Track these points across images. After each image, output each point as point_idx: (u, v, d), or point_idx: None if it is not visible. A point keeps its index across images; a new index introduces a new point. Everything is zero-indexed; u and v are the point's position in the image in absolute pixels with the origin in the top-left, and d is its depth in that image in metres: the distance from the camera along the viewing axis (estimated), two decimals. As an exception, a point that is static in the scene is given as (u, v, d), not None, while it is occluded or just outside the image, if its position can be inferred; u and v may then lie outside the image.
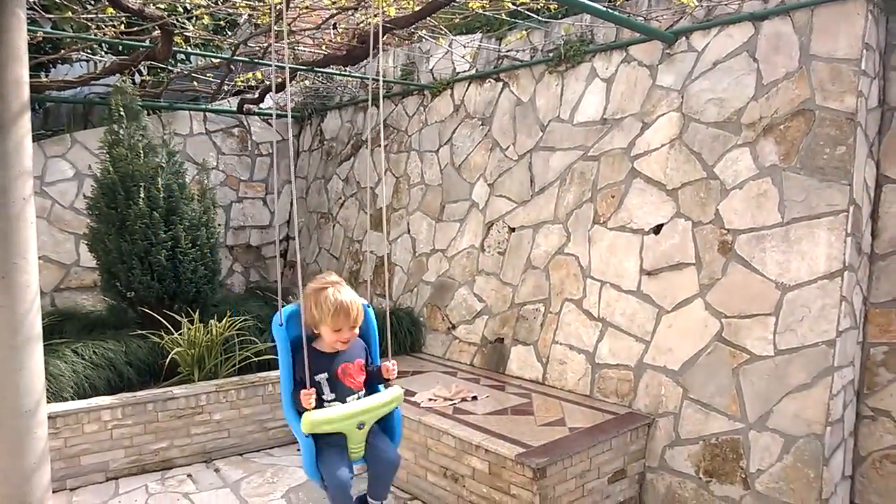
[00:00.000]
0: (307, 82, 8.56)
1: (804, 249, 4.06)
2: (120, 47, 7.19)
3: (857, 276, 4.07)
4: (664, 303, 4.74)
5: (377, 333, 2.87)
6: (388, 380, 2.76)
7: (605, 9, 4.47)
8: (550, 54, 5.84)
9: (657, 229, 4.85)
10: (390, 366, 2.75)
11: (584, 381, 5.16)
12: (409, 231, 7.17)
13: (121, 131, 5.99)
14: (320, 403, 2.56)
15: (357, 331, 2.68)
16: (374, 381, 2.78)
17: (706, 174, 4.60)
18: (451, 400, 5.02)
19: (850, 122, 3.95)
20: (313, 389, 2.50)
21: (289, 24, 6.12)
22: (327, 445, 2.58)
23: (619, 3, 5.23)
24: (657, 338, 4.74)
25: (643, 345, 4.81)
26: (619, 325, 4.99)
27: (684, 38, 4.86)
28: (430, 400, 5.02)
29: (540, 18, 5.68)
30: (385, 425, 2.81)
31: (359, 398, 2.67)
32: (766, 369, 4.14)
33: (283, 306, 2.58)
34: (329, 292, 2.57)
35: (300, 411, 2.53)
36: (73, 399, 4.99)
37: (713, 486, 4.29)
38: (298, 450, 5.63)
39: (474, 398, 5.08)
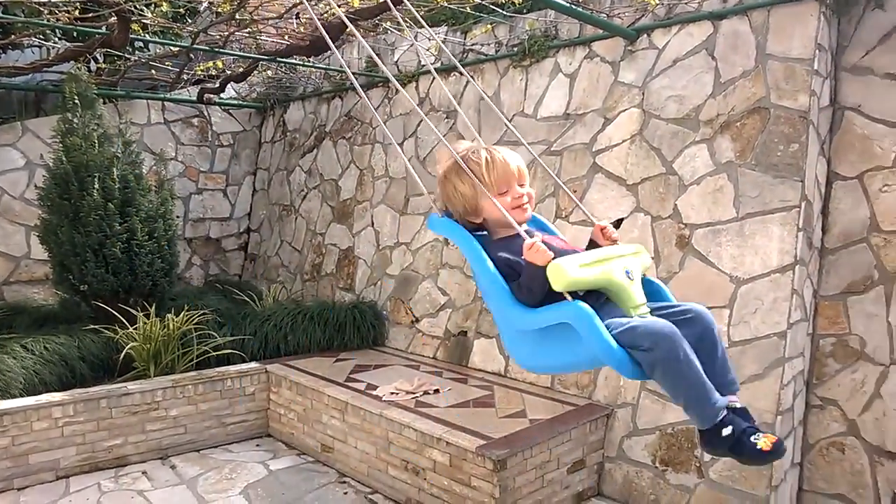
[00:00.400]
0: (269, 72, 8.46)
1: (758, 244, 4.16)
2: (74, 33, 7.01)
3: (807, 269, 4.19)
4: (623, 296, 4.80)
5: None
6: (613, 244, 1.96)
7: (568, 5, 4.52)
8: (515, 49, 5.86)
9: (618, 223, 4.91)
10: (604, 223, 2.03)
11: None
12: (372, 224, 7.14)
13: (75, 120, 5.83)
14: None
15: (532, 192, 2.01)
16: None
17: (665, 170, 4.68)
18: (414, 393, 5.03)
19: (802, 121, 4.05)
20: (539, 235, 1.79)
21: (251, 13, 6.03)
22: (606, 317, 1.69)
23: (581, -1, 5.28)
24: (616, 331, 4.80)
25: (602, 337, 4.87)
26: (579, 318, 5.04)
27: (646, 35, 4.93)
28: (392, 394, 5.02)
29: (504, 13, 5.70)
30: (655, 298, 1.88)
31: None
32: (721, 361, 4.23)
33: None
34: (465, 153, 1.96)
35: (535, 295, 1.74)
36: (21, 396, 4.83)
37: (669, 474, 4.37)
38: (258, 444, 5.63)
39: (436, 391, 5.09)
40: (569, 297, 1.67)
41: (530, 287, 1.75)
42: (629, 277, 1.75)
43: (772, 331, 4.05)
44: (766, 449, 1.64)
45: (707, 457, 4.19)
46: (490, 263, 1.84)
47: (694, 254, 4.45)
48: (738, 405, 1.77)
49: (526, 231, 1.84)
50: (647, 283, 1.88)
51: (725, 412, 1.72)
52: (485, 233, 1.98)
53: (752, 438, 1.66)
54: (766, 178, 4.17)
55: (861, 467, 4.12)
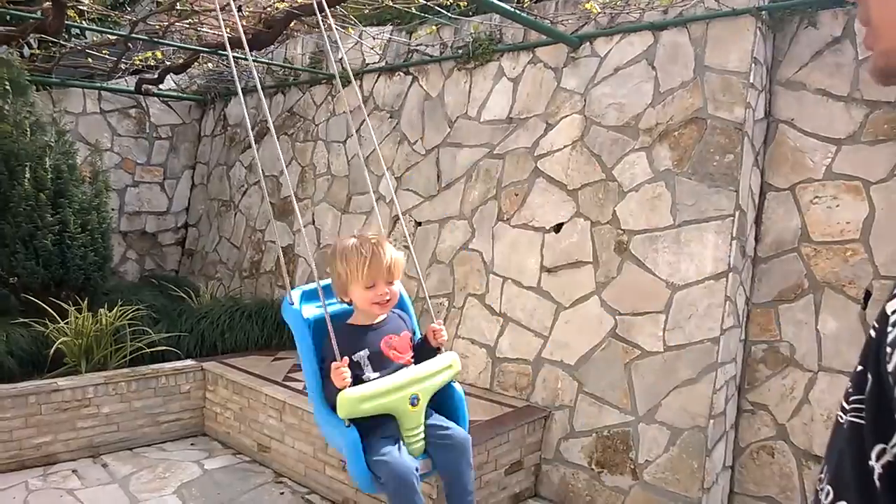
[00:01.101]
0: (210, 65, 8.28)
1: (693, 251, 4.27)
2: (7, 17, 6.73)
3: (740, 277, 4.32)
4: (562, 299, 4.88)
5: (411, 305, 2.45)
6: (439, 347, 2.26)
7: (513, 9, 4.55)
8: (460, 51, 5.88)
9: (557, 228, 4.98)
10: (437, 327, 2.27)
11: (484, 374, 5.25)
12: (314, 222, 7.07)
13: (6, 106, 5.64)
14: (359, 379, 2.05)
15: (397, 293, 2.24)
16: (423, 356, 2.24)
17: (605, 176, 4.76)
18: (352, 393, 4.99)
19: (738, 132, 4.18)
20: (346, 360, 2.00)
21: (192, 4, 5.90)
22: (377, 438, 2.04)
23: (526, 4, 5.33)
24: (555, 333, 4.88)
25: (542, 340, 4.94)
26: (520, 320, 5.10)
27: (588, 43, 5.00)
28: (331, 393, 4.97)
29: (450, 15, 5.71)
30: (444, 406, 2.24)
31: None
32: (655, 364, 4.33)
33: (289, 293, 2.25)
34: (354, 242, 2.18)
35: (333, 402, 1.99)
36: (-56, 391, 4.66)
37: (604, 476, 4.46)
38: (193, 443, 5.52)
39: (375, 391, 5.06)
40: (346, 422, 1.99)
41: (329, 392, 2.05)
42: (412, 404, 2.05)
43: (705, 336, 4.16)
44: None
45: (642, 458, 4.29)
46: (314, 363, 2.14)
47: (632, 259, 4.54)
48: None
49: (378, 323, 2.22)
50: (450, 389, 2.23)
51: None
52: (350, 307, 2.28)
53: None
54: (702, 187, 4.29)
55: (789, 470, 4.26)
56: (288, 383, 5.25)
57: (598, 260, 4.72)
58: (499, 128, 5.49)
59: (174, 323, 6.10)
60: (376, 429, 2.05)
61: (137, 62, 7.68)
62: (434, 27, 6.11)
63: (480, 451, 4.23)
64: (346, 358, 2.01)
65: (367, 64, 6.77)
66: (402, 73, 6.43)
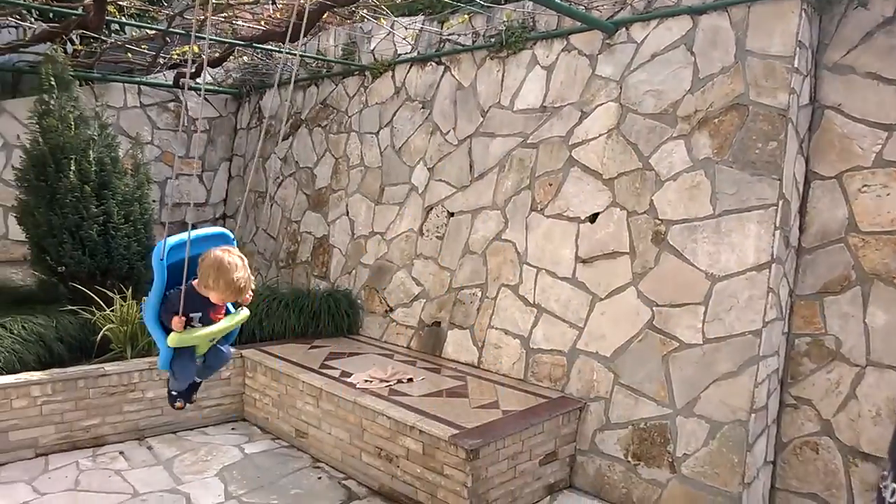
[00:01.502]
0: (245, 58, 8.36)
1: (734, 241, 4.18)
2: (50, 14, 6.88)
3: (784, 268, 4.22)
4: (598, 290, 4.82)
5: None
6: (240, 304, 3.07)
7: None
8: (492, 40, 5.83)
9: (593, 218, 4.92)
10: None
11: (518, 365, 5.22)
12: (347, 213, 7.10)
13: (51, 101, 5.78)
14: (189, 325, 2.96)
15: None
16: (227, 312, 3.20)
17: (642, 165, 4.68)
18: (387, 381, 5.02)
19: (782, 118, 4.07)
20: (184, 319, 2.82)
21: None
22: (183, 350, 3.00)
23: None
24: (590, 324, 4.83)
25: (576, 331, 4.89)
26: (554, 311, 5.06)
27: (624, 29, 4.92)
28: (366, 381, 5.01)
29: (482, 3, 5.67)
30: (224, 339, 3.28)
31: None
32: (694, 357, 4.26)
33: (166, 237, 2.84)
34: (233, 277, 2.78)
35: (166, 328, 2.87)
36: (0, 374, 4.82)
37: (641, 469, 4.41)
38: (234, 427, 5.61)
39: (410, 380, 5.09)
40: (169, 342, 2.83)
41: (167, 320, 2.83)
42: (210, 342, 3.02)
43: (747, 329, 4.07)
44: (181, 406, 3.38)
45: (680, 452, 4.23)
46: (160, 294, 2.85)
47: (669, 250, 4.46)
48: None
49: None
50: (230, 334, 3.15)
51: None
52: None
53: (175, 404, 3.33)
54: (744, 175, 4.19)
55: (835, 467, 4.15)
56: (325, 371, 5.29)
57: (635, 250, 4.65)
58: (532, 117, 5.43)
59: (214, 312, 6.19)
60: (188, 350, 3.00)
61: (175, 56, 7.79)
62: (466, 16, 6.07)
63: (515, 440, 4.22)
64: (184, 318, 2.81)
65: (399, 54, 6.75)
66: (434, 63, 6.41)
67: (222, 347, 3.24)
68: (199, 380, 3.36)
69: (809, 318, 4.35)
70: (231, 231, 3.11)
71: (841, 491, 4.13)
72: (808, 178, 4.41)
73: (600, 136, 4.94)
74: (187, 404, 3.37)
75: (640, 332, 4.54)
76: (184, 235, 2.88)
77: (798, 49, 4.08)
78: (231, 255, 2.82)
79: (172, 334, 2.85)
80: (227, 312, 3.12)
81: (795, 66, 4.07)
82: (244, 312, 3.10)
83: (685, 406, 4.26)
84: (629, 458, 4.47)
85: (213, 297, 2.87)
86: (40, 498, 4.30)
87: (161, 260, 2.83)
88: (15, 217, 5.96)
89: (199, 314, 2.95)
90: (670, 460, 4.28)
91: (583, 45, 5.18)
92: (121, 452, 5.03)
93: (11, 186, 6.34)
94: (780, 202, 4.05)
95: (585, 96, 5.09)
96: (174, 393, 3.32)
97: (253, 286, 2.98)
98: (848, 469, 4.11)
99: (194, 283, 2.88)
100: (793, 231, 4.32)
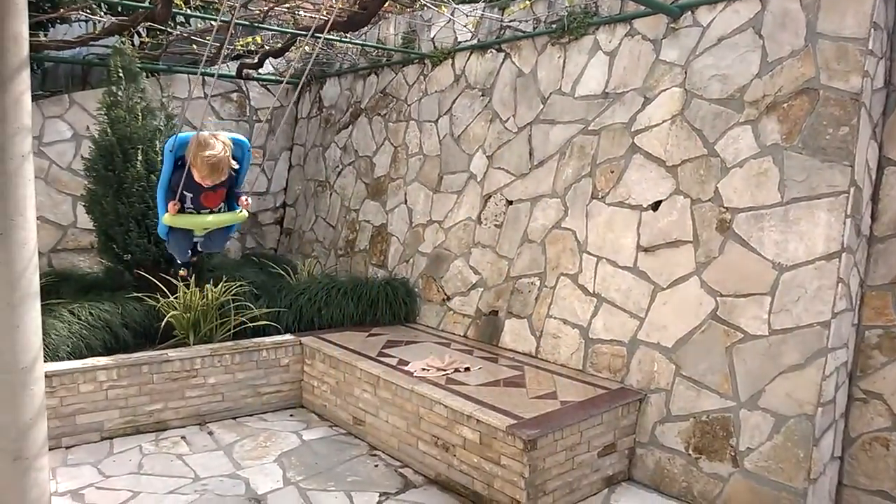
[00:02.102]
0: (307, 48, 8.46)
1: (803, 230, 4.05)
2: (119, 8, 7.09)
3: (854, 258, 4.07)
4: (660, 280, 4.73)
5: (247, 167, 3.76)
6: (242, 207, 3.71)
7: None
8: (553, 26, 5.76)
9: (655, 206, 4.83)
10: (244, 199, 3.71)
11: (576, 355, 5.17)
12: (406, 201, 7.14)
13: (119, 93, 5.96)
14: (183, 209, 3.50)
15: (226, 171, 3.45)
16: (233, 202, 3.73)
17: (707, 151, 4.57)
18: (444, 370, 5.04)
19: (854, 103, 3.91)
20: (179, 204, 3.40)
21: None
22: (177, 228, 3.63)
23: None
24: (651, 314, 4.74)
25: (637, 321, 4.82)
26: (614, 300, 4.99)
27: (690, 12, 4.79)
28: (424, 370, 5.03)
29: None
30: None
31: (211, 212, 3.63)
32: (759, 349, 4.15)
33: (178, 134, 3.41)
34: (207, 153, 3.22)
35: (167, 210, 3.47)
36: (68, 359, 5.02)
37: (702, 462, 4.32)
38: (292, 414, 5.72)
39: (467, 369, 5.09)
40: (163, 220, 3.53)
41: (162, 205, 3.54)
42: (203, 231, 3.72)
43: (815, 320, 3.94)
44: (183, 274, 4.08)
45: (743, 446, 4.13)
46: (166, 186, 3.49)
47: (735, 239, 4.35)
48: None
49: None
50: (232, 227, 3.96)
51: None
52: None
53: (179, 272, 4.09)
54: (814, 161, 4.04)
55: (905, 463, 4.01)
56: (382, 359, 5.34)
57: (699, 239, 4.54)
58: (594, 103, 5.35)
59: (274, 299, 6.32)
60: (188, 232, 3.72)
61: (239, 47, 7.93)
62: (527, 2, 6.01)
63: (573, 431, 4.18)
64: (179, 203, 3.41)
65: (459, 42, 6.74)
66: (494, 51, 6.37)
67: (218, 237, 3.86)
68: (201, 251, 3.97)
69: (881, 309, 4.19)
70: (248, 140, 3.75)
71: (912, 488, 3.98)
72: (881, 164, 4.23)
73: (664, 122, 4.83)
74: (189, 270, 4.12)
75: (702, 323, 4.44)
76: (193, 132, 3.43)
77: (873, 30, 3.91)
78: (213, 138, 3.29)
79: (165, 215, 3.43)
80: (230, 203, 3.72)
81: (870, 47, 3.90)
82: (242, 214, 3.70)
83: (749, 399, 4.15)
84: (690, 452, 4.38)
85: (196, 176, 3.29)
86: (105, 480, 4.45)
87: (171, 151, 3.39)
88: (83, 206, 6.17)
89: (192, 194, 3.46)
90: (733, 454, 4.18)
91: (647, 29, 5.07)
92: (182, 437, 5.17)
93: (80, 176, 6.58)
94: (852, 189, 3.90)
95: (649, 82, 4.98)
96: (178, 262, 4.01)
97: (234, 167, 3.48)
98: (921, 466, 3.96)
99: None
100: (864, 219, 4.15)
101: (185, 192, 3.41)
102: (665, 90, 4.87)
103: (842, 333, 4.04)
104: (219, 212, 3.68)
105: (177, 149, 3.36)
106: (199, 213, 3.59)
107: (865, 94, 3.92)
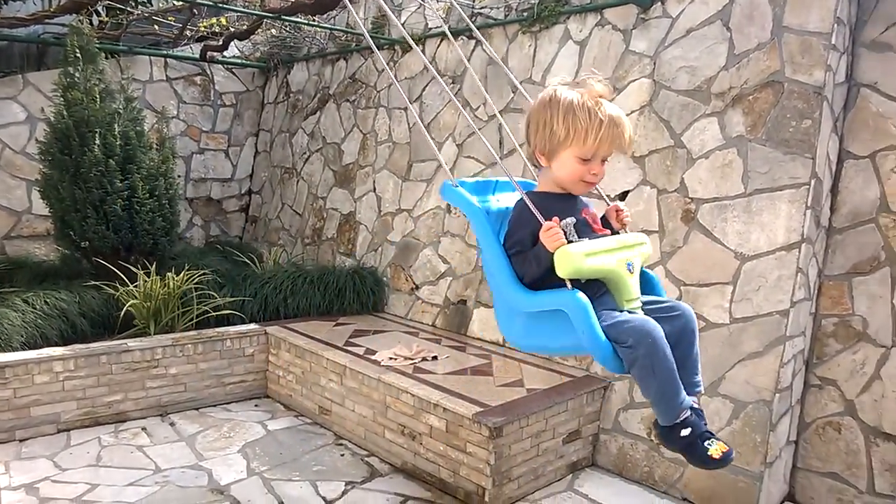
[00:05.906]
0: (273, 31, 8.33)
1: (764, 221, 4.11)
2: (77, -15, 6.89)
3: (813, 248, 4.15)
4: (626, 269, 4.77)
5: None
6: (623, 228, 2.02)
7: (580, -31, 4.40)
8: (525, 14, 5.75)
9: (623, 196, 4.87)
10: (620, 206, 2.04)
11: (543, 344, 5.20)
12: (374, 189, 7.09)
13: (76, 74, 5.75)
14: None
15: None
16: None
17: (673, 142, 4.61)
18: (412, 359, 5.03)
19: (817, 96, 3.98)
20: (556, 219, 1.74)
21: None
22: (598, 308, 1.73)
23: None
24: (617, 303, 4.78)
25: (603, 310, 4.85)
26: (581, 289, 5.02)
27: (660, 3, 4.82)
28: (391, 359, 5.02)
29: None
30: (647, 290, 1.93)
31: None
32: (720, 337, 4.22)
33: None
34: (582, 99, 1.75)
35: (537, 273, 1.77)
36: (23, 349, 4.87)
37: (663, 448, 4.38)
38: (257, 404, 5.66)
39: (434, 358, 5.09)
40: (569, 285, 1.71)
41: (537, 262, 1.78)
42: (630, 270, 1.80)
43: (774, 309, 4.02)
44: (716, 457, 1.76)
45: (703, 432, 4.20)
46: (497, 244, 1.86)
47: (699, 229, 4.40)
48: (697, 406, 1.84)
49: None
50: (642, 274, 1.93)
51: (689, 413, 1.79)
52: (538, 168, 2.00)
53: (705, 444, 1.77)
54: (777, 153, 4.11)
55: (856, 447, 4.11)
56: (349, 348, 5.31)
57: (664, 229, 4.59)
58: (562, 93, 5.35)
59: (238, 288, 6.24)
60: (593, 300, 1.71)
61: (202, 28, 7.78)
62: (498, -11, 5.98)
63: (539, 418, 4.21)
64: (556, 217, 1.72)
65: (430, 28, 6.69)
66: (465, 38, 6.34)
67: (665, 299, 1.92)
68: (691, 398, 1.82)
69: (837, 298, 4.29)
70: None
71: (861, 470, 4.10)
72: (841, 157, 4.31)
73: (632, 112, 4.86)
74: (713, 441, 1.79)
75: (667, 313, 4.49)
76: (474, 178, 2.13)
77: (836, 25, 3.97)
78: (578, 90, 1.80)
79: (559, 252, 1.69)
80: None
81: (833, 42, 3.96)
82: (642, 235, 1.97)
83: (710, 386, 4.22)
84: (652, 437, 4.44)
85: (568, 168, 1.83)
86: (61, 473, 4.33)
87: (455, 186, 2.00)
88: (38, 191, 5.94)
89: (572, 218, 1.80)
90: (695, 441, 4.24)
91: (617, 19, 5.09)
92: (143, 429, 5.07)
93: (35, 160, 6.36)
94: (813, 181, 3.97)
95: (618, 72, 5.01)
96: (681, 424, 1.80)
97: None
98: (869, 449, 4.07)
99: (532, 190, 1.98)
100: (824, 211, 4.24)
101: (562, 221, 1.77)
102: (634, 81, 4.90)
103: (800, 322, 4.12)
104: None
105: (466, 187, 2.02)
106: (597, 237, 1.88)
107: (828, 88, 3.99)
